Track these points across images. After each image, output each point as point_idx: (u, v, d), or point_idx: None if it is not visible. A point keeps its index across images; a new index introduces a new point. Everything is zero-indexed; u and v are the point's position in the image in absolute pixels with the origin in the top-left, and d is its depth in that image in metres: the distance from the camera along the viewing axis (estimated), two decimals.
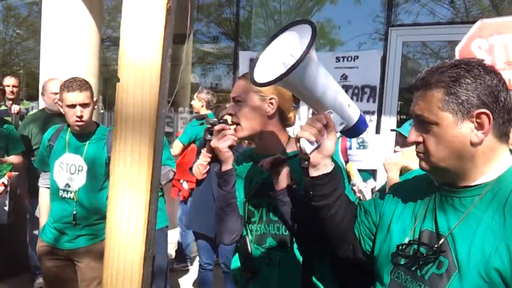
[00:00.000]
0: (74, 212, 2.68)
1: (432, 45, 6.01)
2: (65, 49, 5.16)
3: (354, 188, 3.25)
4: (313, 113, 3.41)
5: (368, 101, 4.87)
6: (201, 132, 3.69)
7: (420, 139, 1.13)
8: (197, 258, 3.87)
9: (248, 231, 1.70)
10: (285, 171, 1.51)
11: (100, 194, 2.74)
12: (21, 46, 9.95)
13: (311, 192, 1.28)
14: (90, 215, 2.71)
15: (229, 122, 1.69)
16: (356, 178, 3.29)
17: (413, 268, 1.14)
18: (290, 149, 1.65)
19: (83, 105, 2.60)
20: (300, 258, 1.59)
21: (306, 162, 1.27)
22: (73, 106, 2.58)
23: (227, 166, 1.61)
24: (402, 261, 1.17)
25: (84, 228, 2.70)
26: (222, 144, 1.56)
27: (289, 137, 1.71)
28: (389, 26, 5.04)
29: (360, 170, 3.55)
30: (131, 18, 0.83)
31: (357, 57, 4.88)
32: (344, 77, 4.94)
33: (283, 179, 1.51)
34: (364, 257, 1.35)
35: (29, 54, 9.58)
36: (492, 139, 1.08)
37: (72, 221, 2.68)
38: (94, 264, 2.71)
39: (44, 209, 2.85)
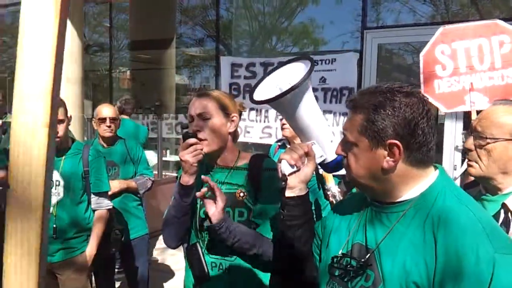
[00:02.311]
0: (54, 226, 2.73)
1: (411, 44, 6.10)
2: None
3: (329, 192, 3.32)
4: (282, 128, 3.47)
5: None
6: None
7: (344, 153, 1.23)
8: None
9: (200, 238, 1.77)
10: (220, 206, 1.59)
11: (79, 208, 2.80)
12: (7, 54, 9.95)
13: (284, 210, 1.38)
14: (69, 229, 2.77)
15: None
16: (331, 183, 3.36)
17: (345, 280, 1.21)
18: (241, 161, 1.80)
19: (58, 122, 2.66)
20: (248, 265, 1.70)
21: (284, 183, 1.37)
22: None
23: (191, 180, 1.67)
24: (337, 273, 1.24)
25: (64, 241, 2.76)
26: (193, 159, 1.62)
27: (239, 151, 1.84)
28: (364, 28, 5.11)
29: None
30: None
31: (335, 59, 4.93)
32: (323, 80, 4.99)
33: (217, 212, 1.59)
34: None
35: (15, 61, 9.55)
36: (404, 166, 1.14)
37: (52, 234, 2.73)
38: (74, 276, 2.78)
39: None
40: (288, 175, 1.36)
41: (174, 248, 1.84)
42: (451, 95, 2.96)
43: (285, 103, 1.36)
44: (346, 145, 1.22)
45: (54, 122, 0.87)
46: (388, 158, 1.13)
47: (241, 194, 1.73)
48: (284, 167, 1.35)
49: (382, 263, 1.13)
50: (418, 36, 4.98)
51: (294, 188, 1.36)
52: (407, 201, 1.15)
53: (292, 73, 1.40)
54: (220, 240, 1.61)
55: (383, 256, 1.14)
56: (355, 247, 1.23)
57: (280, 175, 1.37)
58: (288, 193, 1.36)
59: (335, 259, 1.25)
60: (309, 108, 1.39)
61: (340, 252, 1.25)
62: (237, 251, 1.64)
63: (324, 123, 1.47)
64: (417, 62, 3.34)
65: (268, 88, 1.45)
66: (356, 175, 1.20)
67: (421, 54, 3.05)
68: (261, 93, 1.45)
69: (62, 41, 0.85)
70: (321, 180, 3.41)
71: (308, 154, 1.36)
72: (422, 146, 1.13)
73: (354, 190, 1.98)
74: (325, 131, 1.45)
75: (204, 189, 1.60)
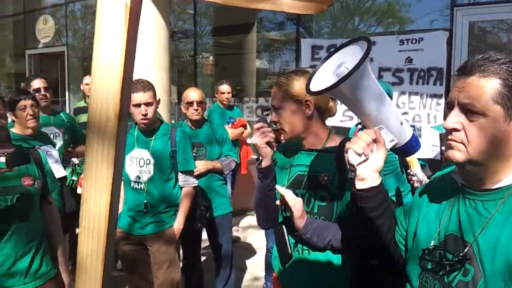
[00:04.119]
0: (145, 201, 2.93)
1: (506, 22, 5.66)
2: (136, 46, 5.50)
3: (414, 178, 3.24)
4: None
5: (435, 84, 4.73)
6: None
7: (459, 126, 1.08)
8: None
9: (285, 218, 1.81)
10: (299, 214, 1.63)
11: (167, 184, 2.97)
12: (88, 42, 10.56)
13: (358, 203, 1.28)
14: (159, 204, 2.96)
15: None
16: (417, 168, 3.27)
17: (440, 274, 1.14)
18: (330, 144, 1.78)
19: (147, 104, 2.82)
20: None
21: (353, 173, 1.26)
22: (138, 105, 2.81)
23: (266, 161, 1.76)
24: (429, 266, 1.16)
25: (154, 216, 2.95)
26: (260, 140, 1.71)
27: (330, 132, 1.83)
28: (454, 5, 4.83)
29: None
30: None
31: (422, 39, 4.73)
32: (409, 60, 4.82)
33: (299, 220, 1.63)
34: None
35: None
36: None
37: (144, 209, 2.94)
38: (164, 248, 2.97)
39: (119, 199, 3.14)
40: (357, 166, 1.24)
41: (266, 229, 1.93)
42: None
43: (344, 90, 1.24)
44: (465, 115, 1.07)
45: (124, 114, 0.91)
46: None
47: (325, 178, 1.72)
48: (352, 157, 1.23)
49: (482, 257, 1.05)
50: None
51: (366, 179, 1.24)
52: (505, 187, 1.06)
53: (349, 57, 1.30)
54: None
55: (482, 250, 1.06)
56: (449, 238, 1.14)
57: (348, 166, 1.26)
58: (361, 185, 1.25)
59: (426, 251, 1.17)
60: (371, 92, 1.28)
61: (432, 244, 1.17)
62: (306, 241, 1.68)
63: (391, 105, 1.35)
64: None
65: (325, 76, 1.35)
66: (477, 151, 1.06)
67: None
68: (318, 82, 1.35)
69: (131, 45, 0.88)
70: (404, 164, 3.33)
71: (376, 141, 1.24)
72: None
73: (438, 173, 1.89)
74: (393, 113, 1.34)
75: (277, 202, 1.67)
